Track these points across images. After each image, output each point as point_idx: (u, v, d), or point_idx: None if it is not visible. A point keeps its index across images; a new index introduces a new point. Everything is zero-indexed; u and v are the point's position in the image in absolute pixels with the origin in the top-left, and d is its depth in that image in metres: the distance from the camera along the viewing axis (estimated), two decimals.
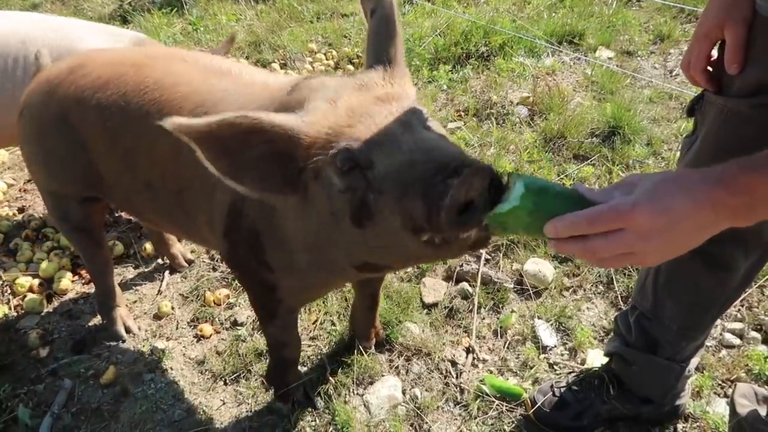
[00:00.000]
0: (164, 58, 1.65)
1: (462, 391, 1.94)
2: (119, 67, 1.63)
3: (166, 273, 2.47)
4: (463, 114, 3.25)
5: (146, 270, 2.51)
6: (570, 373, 1.95)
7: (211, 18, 4.54)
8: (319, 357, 2.06)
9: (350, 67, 3.79)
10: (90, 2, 5.17)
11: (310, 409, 1.89)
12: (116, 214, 2.76)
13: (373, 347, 2.06)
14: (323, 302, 2.23)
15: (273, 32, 4.18)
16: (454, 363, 2.03)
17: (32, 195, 2.97)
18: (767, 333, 2.04)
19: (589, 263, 1.48)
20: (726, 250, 1.34)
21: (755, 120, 1.13)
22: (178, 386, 2.02)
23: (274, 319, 1.66)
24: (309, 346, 2.10)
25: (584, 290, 2.25)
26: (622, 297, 2.19)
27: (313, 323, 2.18)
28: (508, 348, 2.07)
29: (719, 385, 1.90)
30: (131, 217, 2.73)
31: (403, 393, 1.94)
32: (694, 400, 1.84)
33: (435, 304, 2.22)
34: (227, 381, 2.02)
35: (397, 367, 2.02)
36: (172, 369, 2.08)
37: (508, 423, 1.83)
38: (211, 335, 2.19)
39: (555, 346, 2.06)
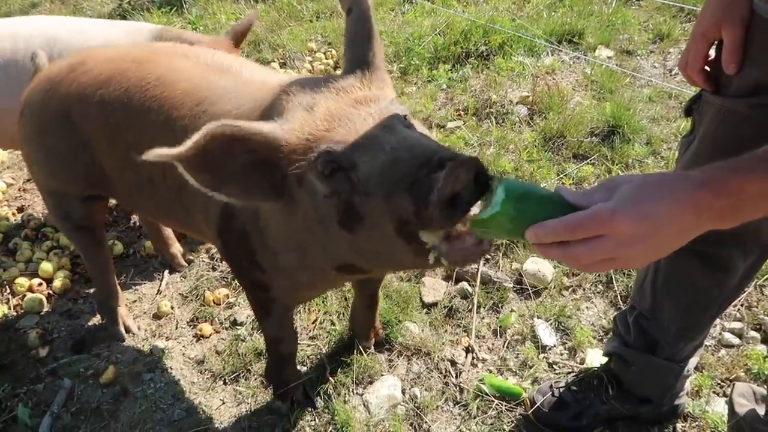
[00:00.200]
0: (166, 54, 1.65)
1: (461, 390, 1.94)
2: (121, 63, 1.63)
3: (166, 272, 2.47)
4: (462, 113, 3.25)
5: (146, 269, 2.51)
6: (569, 373, 1.95)
7: (210, 17, 4.53)
8: (318, 356, 2.06)
9: None
10: (89, 1, 5.17)
11: (309, 409, 1.89)
12: (115, 214, 2.77)
13: (372, 347, 2.06)
14: (323, 301, 2.23)
15: (272, 31, 4.18)
16: (453, 362, 2.03)
17: (31, 194, 2.97)
18: (766, 332, 2.04)
19: (573, 268, 1.48)
20: (724, 250, 1.34)
21: (753, 120, 1.13)
22: (177, 386, 2.02)
23: (270, 317, 1.68)
24: (308, 345, 2.10)
25: (583, 290, 2.25)
26: (621, 296, 2.19)
27: (313, 322, 2.18)
28: (507, 347, 2.07)
29: (718, 384, 1.90)
30: (131, 217, 2.73)
31: (403, 392, 1.94)
32: (693, 399, 1.84)
33: (434, 304, 2.22)
34: (227, 380, 2.02)
35: (396, 367, 2.03)
36: (171, 368, 2.08)
37: (508, 422, 1.83)
38: (210, 335, 2.19)
39: (554, 346, 2.06)
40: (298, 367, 1.95)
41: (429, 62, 3.67)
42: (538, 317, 2.15)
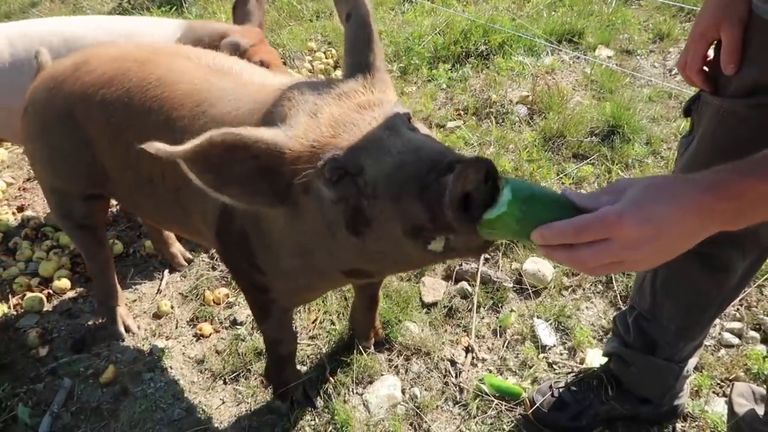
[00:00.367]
0: (168, 54, 1.66)
1: (461, 390, 1.94)
2: (123, 63, 1.64)
3: (166, 272, 2.47)
4: (462, 113, 3.25)
5: (146, 269, 2.51)
6: (569, 373, 1.95)
7: (210, 17, 4.53)
8: (318, 356, 2.07)
9: None
10: (90, 0, 5.17)
11: (309, 409, 1.90)
12: (115, 213, 2.77)
13: (372, 346, 2.07)
14: (323, 302, 2.23)
15: (272, 31, 4.18)
16: (453, 362, 2.03)
17: (31, 194, 2.97)
18: (766, 332, 2.04)
19: (579, 271, 1.47)
20: (724, 251, 1.35)
21: (752, 120, 1.13)
22: (177, 385, 2.02)
23: (269, 318, 1.68)
24: (308, 345, 2.11)
25: (583, 290, 2.26)
26: (621, 296, 2.19)
27: (313, 322, 2.18)
28: (507, 347, 2.07)
29: (718, 384, 1.90)
30: (130, 216, 2.73)
31: (403, 392, 1.95)
32: (692, 399, 1.84)
33: (434, 304, 2.22)
34: (227, 380, 2.02)
35: (396, 367, 2.03)
36: (171, 368, 2.08)
37: (507, 422, 1.83)
38: (210, 334, 2.19)
39: (554, 346, 2.07)
40: (298, 367, 1.96)
41: (429, 62, 3.67)
42: (538, 317, 2.15)
